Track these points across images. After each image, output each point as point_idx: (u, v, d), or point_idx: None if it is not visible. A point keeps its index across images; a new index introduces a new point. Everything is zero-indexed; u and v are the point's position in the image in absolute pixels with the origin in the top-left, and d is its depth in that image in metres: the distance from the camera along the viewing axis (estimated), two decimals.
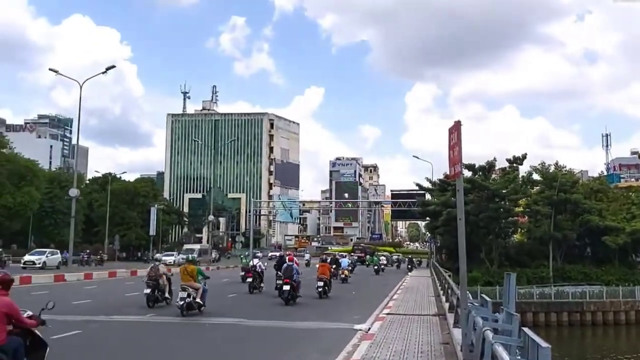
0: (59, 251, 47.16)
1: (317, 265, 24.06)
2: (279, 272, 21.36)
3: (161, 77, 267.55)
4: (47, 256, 43.20)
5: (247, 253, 55.09)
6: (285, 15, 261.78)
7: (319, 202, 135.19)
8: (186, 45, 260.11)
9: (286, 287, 19.10)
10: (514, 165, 57.00)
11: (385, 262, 56.44)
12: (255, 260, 25.82)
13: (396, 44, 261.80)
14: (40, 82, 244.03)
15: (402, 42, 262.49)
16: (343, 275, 33.90)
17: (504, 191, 53.24)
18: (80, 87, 39.52)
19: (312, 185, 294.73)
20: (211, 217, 71.20)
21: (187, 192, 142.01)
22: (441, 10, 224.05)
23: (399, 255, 76.84)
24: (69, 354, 9.94)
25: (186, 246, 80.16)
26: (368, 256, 68.42)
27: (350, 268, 37.30)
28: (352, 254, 74.30)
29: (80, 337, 11.90)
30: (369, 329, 13.21)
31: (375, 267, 48.55)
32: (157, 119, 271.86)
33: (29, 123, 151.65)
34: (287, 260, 21.09)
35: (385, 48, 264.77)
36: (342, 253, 66.06)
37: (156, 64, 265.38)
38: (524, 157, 56.86)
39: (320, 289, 22.30)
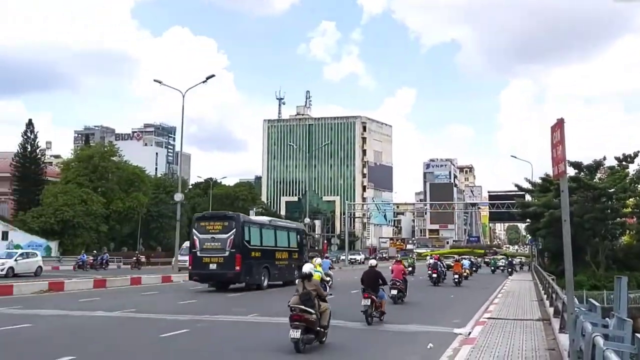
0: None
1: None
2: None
3: (256, 84, 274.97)
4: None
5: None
6: (373, 18, 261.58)
7: (413, 204, 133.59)
8: (279, 52, 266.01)
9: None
10: (624, 163, 53.75)
11: (504, 263, 55.56)
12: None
13: (487, 41, 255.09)
14: (144, 92, 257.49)
15: (493, 38, 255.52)
16: (465, 274, 36.30)
17: (610, 190, 50.41)
18: (183, 97, 41.40)
19: (406, 188, 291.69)
20: (307, 220, 72.19)
21: (283, 196, 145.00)
22: (533, 1, 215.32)
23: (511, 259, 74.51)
24: (180, 350, 10.57)
25: None
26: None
27: (474, 269, 40.21)
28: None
29: (186, 335, 12.49)
30: (470, 333, 13.02)
31: (492, 269, 49.89)
32: (253, 125, 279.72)
33: (136, 132, 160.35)
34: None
35: (476, 45, 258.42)
36: (464, 255, 64.88)
37: (251, 72, 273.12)
38: (636, 154, 53.38)
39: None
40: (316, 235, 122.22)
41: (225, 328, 13.84)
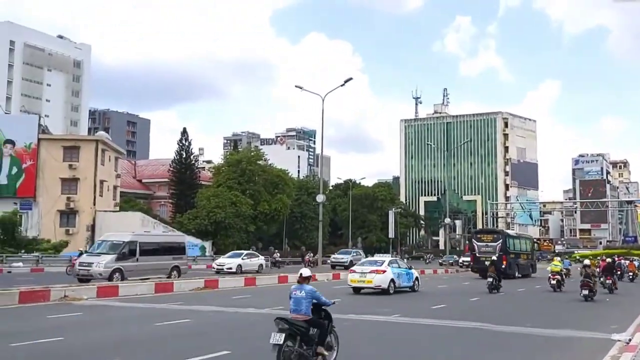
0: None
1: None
2: None
3: (391, 84, 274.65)
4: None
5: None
6: (511, 10, 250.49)
7: (562, 202, 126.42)
8: (413, 51, 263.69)
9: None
10: None
11: None
12: None
13: (639, 23, 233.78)
14: (284, 98, 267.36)
15: None
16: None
17: None
18: (322, 101, 42.58)
19: (553, 185, 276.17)
20: (447, 220, 71.25)
21: (422, 195, 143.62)
22: None
23: None
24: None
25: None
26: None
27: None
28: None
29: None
30: (630, 339, 12.28)
31: None
32: (388, 125, 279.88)
33: (279, 136, 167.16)
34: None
35: (626, 29, 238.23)
36: (622, 256, 60.71)
37: (386, 72, 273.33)
38: None
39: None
40: (457, 236, 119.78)
41: (370, 327, 14.19)
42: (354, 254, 50.09)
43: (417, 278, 26.23)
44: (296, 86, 44.16)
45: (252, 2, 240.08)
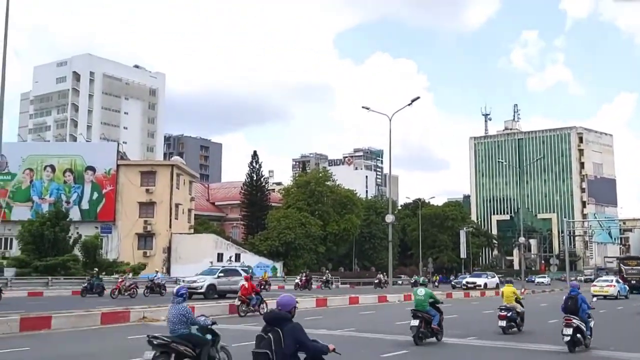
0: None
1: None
2: None
3: (456, 102, 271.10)
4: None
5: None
6: (578, 23, 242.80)
7: None
8: (478, 67, 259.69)
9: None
10: None
11: None
12: None
13: None
14: (350, 118, 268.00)
15: None
16: None
17: None
18: (390, 121, 42.51)
19: (634, 201, 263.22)
20: (521, 239, 69.00)
21: (494, 214, 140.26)
22: None
23: None
24: None
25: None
26: None
27: None
28: None
29: (408, 356, 12.86)
30: None
31: None
32: (455, 143, 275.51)
33: (346, 157, 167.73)
34: None
35: None
36: None
37: (451, 90, 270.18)
38: None
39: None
40: (532, 256, 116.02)
41: (444, 351, 13.97)
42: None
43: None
44: (363, 107, 44.27)
45: (314, 26, 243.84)
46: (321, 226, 66.19)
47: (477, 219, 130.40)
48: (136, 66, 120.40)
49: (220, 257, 59.58)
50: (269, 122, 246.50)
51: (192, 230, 64.28)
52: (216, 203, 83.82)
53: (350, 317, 22.55)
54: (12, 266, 44.14)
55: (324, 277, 52.00)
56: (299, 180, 75.71)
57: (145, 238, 57.75)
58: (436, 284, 57.14)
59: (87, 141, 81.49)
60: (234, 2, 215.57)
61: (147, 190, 57.92)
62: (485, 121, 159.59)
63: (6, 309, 20.54)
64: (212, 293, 30.61)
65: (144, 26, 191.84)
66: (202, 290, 30.55)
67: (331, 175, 74.73)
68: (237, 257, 60.62)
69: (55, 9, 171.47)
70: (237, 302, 22.55)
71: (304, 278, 48.41)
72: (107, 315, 19.12)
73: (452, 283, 57.82)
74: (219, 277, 31.68)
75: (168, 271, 55.15)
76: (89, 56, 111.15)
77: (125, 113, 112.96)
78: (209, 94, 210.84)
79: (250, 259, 60.88)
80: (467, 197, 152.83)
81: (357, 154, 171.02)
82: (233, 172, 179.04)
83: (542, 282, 70.49)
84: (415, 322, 14.15)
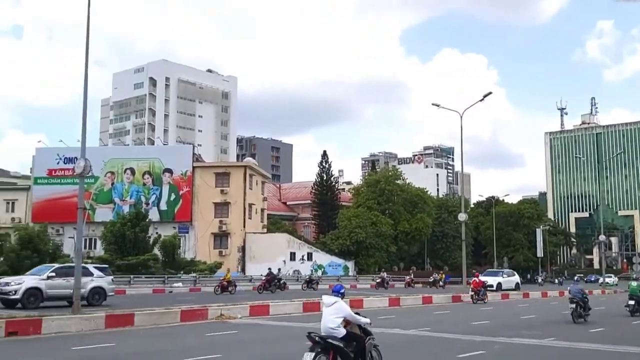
0: None
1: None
2: None
3: (529, 96, 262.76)
4: None
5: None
6: None
7: None
8: (551, 61, 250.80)
9: None
10: None
11: None
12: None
13: None
14: (418, 116, 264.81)
15: None
16: None
17: None
18: (461, 117, 41.79)
19: None
20: (602, 237, 66.38)
21: (572, 212, 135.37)
22: None
23: None
24: None
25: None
26: None
27: None
28: None
29: (485, 357, 12.72)
30: None
31: None
32: (529, 139, 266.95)
33: (416, 155, 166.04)
34: None
35: None
36: None
37: (523, 84, 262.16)
38: None
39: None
40: (613, 254, 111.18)
41: (523, 352, 13.72)
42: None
43: None
44: (433, 104, 43.74)
45: (380, 23, 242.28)
46: (392, 225, 65.89)
47: (554, 217, 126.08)
48: (209, 70, 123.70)
49: (292, 256, 60.47)
50: (337, 121, 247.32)
51: (265, 230, 65.46)
52: (288, 203, 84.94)
53: (424, 316, 22.42)
54: (97, 264, 46.38)
55: (380, 277, 50.87)
56: (368, 179, 75.64)
57: (221, 237, 59.33)
58: (441, 283, 50.97)
59: (164, 144, 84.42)
60: (300, 4, 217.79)
61: (222, 191, 59.47)
62: (561, 115, 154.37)
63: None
64: (36, 301, 22.44)
65: (216, 31, 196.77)
66: (17, 296, 22.31)
67: (401, 174, 74.26)
68: (309, 256, 61.32)
69: (131, 18, 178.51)
70: None
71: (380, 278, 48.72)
72: (186, 313, 19.81)
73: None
74: (49, 277, 23.21)
75: (243, 270, 56.46)
76: (165, 62, 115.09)
77: (199, 116, 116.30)
78: (279, 95, 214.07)
79: (322, 258, 61.49)
80: (543, 195, 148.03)
81: (427, 151, 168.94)
82: (303, 172, 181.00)
83: (608, 283, 65.09)
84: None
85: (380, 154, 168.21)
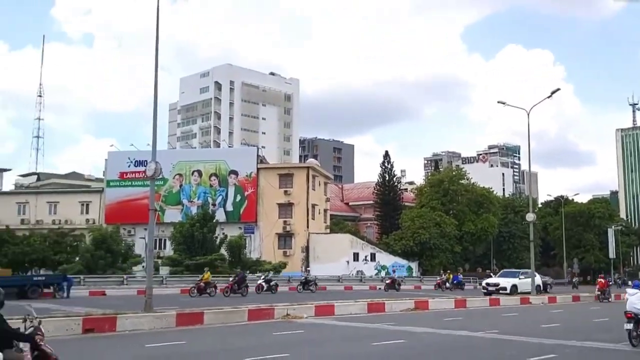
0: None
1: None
2: None
3: (599, 92, 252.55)
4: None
5: None
6: None
7: None
8: (621, 55, 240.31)
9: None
10: None
11: None
12: None
13: None
14: (481, 114, 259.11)
15: None
16: None
17: None
18: (528, 115, 40.83)
19: None
20: None
21: None
22: None
23: None
24: None
25: None
26: None
27: None
28: None
29: None
30: None
31: None
32: (599, 135, 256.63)
33: (480, 154, 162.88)
34: None
35: None
36: None
37: (592, 80, 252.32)
38: None
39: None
40: None
41: (594, 355, 13.36)
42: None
43: None
44: (499, 102, 42.86)
45: (441, 21, 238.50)
46: (456, 225, 64.98)
47: (627, 216, 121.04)
48: (272, 73, 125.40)
49: (356, 256, 60.58)
50: (398, 121, 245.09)
51: (328, 230, 65.81)
52: (350, 203, 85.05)
53: (492, 319, 22.07)
54: (166, 265, 47.94)
55: (441, 278, 49.37)
56: (431, 179, 74.83)
57: (285, 238, 60.10)
58: (447, 285, 46.30)
59: (229, 147, 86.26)
60: (358, 3, 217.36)
61: (285, 192, 60.23)
62: (633, 111, 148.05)
63: (163, 304, 22.37)
64: None
65: (278, 34, 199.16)
66: None
67: (465, 173, 73.09)
68: (373, 257, 61.28)
69: (195, 24, 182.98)
70: None
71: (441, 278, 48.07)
72: (253, 312, 20.24)
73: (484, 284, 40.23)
74: None
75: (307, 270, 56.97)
76: (229, 66, 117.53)
77: (263, 119, 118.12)
78: (340, 96, 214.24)
79: (385, 259, 61.30)
80: (614, 194, 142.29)
81: (491, 150, 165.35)
82: (365, 172, 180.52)
83: None
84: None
85: (443, 154, 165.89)
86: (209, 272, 35.84)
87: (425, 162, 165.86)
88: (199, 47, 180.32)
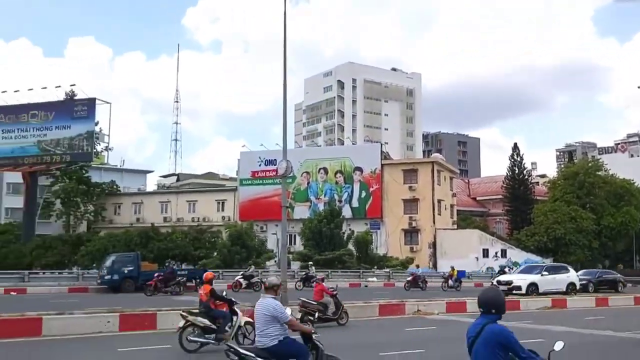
0: None
1: None
2: None
3: None
4: None
5: None
6: None
7: None
8: None
9: None
10: None
11: None
12: None
13: None
14: (618, 101, 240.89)
15: None
16: None
17: None
18: None
19: None
20: None
21: None
22: None
23: None
24: None
25: None
26: None
27: None
28: None
29: None
30: None
31: None
32: None
33: (618, 143, 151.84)
34: None
35: None
36: None
37: None
38: None
39: None
40: None
41: None
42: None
43: None
44: (639, 86, 40.01)
45: (569, 4, 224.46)
46: (594, 220, 61.29)
47: None
48: (393, 69, 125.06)
49: (485, 252, 59.11)
50: (525, 112, 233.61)
51: (455, 226, 64.73)
52: (477, 198, 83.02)
53: (638, 318, 20.75)
54: (297, 260, 49.58)
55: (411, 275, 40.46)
56: (565, 171, 71.09)
57: (411, 234, 59.95)
58: (451, 283, 37.14)
59: (353, 144, 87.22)
60: None
61: (410, 188, 60.03)
62: None
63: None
64: None
65: (397, 29, 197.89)
66: None
67: (602, 164, 68.72)
68: (503, 253, 59.43)
69: (315, 25, 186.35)
70: None
71: None
72: (384, 307, 20.53)
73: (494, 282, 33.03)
74: None
75: (435, 266, 56.50)
76: (351, 64, 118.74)
77: (385, 115, 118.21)
78: (463, 88, 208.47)
79: (517, 255, 59.17)
80: None
81: (631, 139, 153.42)
82: (491, 166, 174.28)
83: None
84: None
85: (577, 144, 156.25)
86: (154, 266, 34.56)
87: (558, 153, 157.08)
88: (321, 47, 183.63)
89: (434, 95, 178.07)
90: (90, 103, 55.44)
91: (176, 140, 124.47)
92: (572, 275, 32.18)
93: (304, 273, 38.11)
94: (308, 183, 64.20)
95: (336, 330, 16.52)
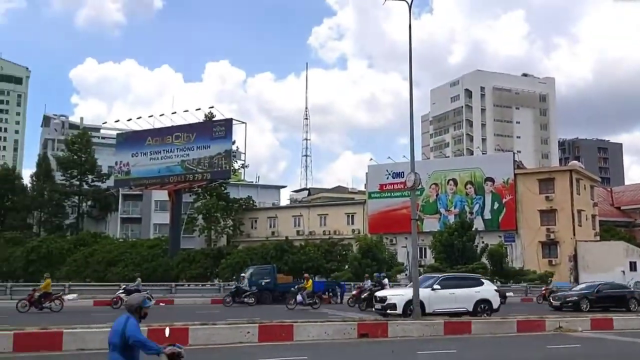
0: None
1: None
2: None
3: None
4: None
5: None
6: None
7: None
8: None
9: None
10: None
11: None
12: None
13: None
14: None
15: None
16: None
17: None
18: None
19: None
20: None
21: None
22: None
23: None
24: None
25: None
26: None
27: None
28: None
29: None
30: None
31: None
32: None
33: None
34: None
35: None
36: None
37: None
38: None
39: None
40: None
41: None
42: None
43: None
44: None
45: None
46: None
47: None
48: (524, 75, 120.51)
49: (633, 266, 54.97)
50: None
51: (597, 238, 60.79)
52: (622, 208, 77.35)
53: None
54: (428, 273, 49.01)
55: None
56: None
57: (549, 246, 57.08)
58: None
59: (483, 154, 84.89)
60: None
61: (547, 198, 57.30)
62: None
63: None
64: None
65: (526, 32, 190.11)
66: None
67: None
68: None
69: (440, 34, 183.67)
70: None
71: None
72: (523, 324, 19.90)
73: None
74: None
75: (576, 280, 53.41)
76: (478, 72, 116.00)
77: (517, 122, 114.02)
78: (601, 91, 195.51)
79: None
80: None
81: None
82: (637, 173, 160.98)
83: None
84: None
85: None
86: (48, 281, 26.60)
87: None
88: (446, 57, 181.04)
89: (570, 99, 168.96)
90: (228, 123, 58.51)
91: (306, 155, 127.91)
92: (486, 290, 24.02)
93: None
94: (437, 195, 63.31)
95: (472, 345, 16.34)
